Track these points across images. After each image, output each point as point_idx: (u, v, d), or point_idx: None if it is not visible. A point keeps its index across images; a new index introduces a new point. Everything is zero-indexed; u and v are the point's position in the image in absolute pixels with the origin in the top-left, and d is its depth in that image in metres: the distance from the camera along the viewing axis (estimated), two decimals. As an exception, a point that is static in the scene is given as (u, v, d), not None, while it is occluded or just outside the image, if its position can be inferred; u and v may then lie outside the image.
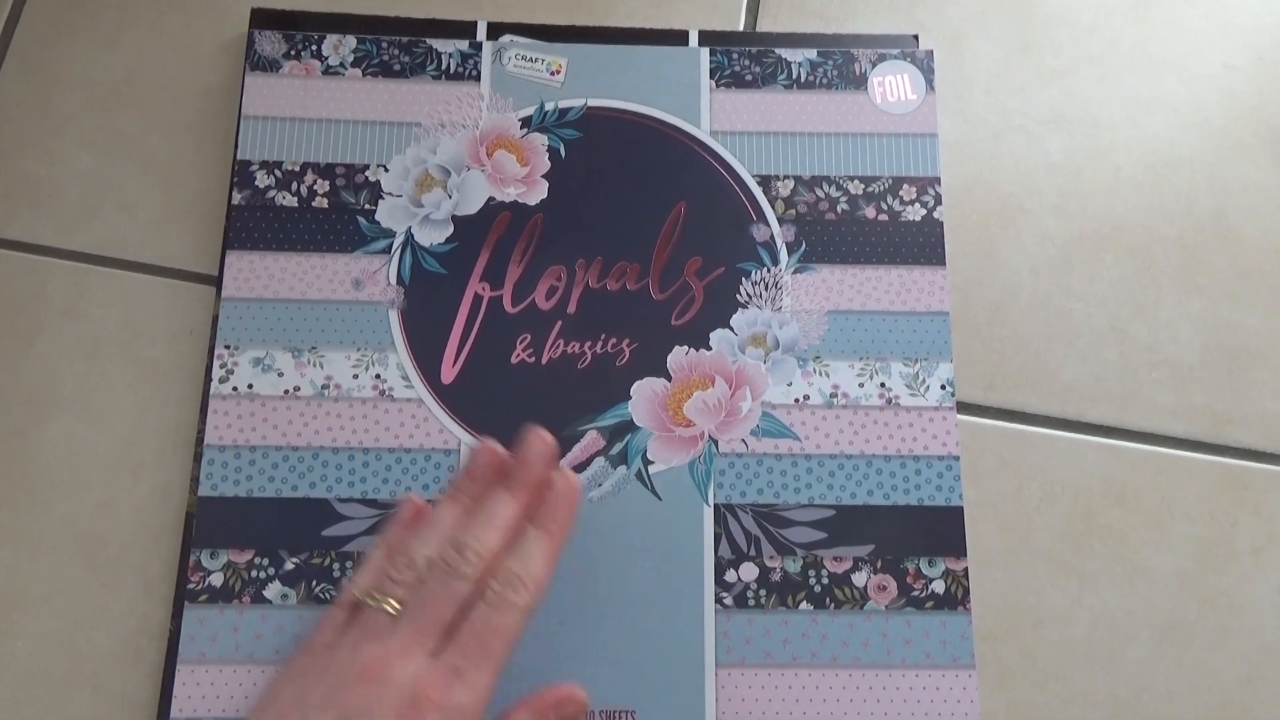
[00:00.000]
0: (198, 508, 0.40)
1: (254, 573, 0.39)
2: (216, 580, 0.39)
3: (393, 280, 0.42)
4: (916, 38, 0.47)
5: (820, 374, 0.42)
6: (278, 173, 0.43)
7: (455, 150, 0.44)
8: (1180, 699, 0.40)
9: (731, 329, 0.42)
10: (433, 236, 0.43)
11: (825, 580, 0.40)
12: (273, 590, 0.39)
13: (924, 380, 0.42)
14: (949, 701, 0.39)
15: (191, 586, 0.39)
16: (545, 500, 0.36)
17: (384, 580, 0.35)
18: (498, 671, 0.34)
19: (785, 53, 0.46)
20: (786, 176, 0.44)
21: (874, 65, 0.46)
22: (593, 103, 0.45)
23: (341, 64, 0.45)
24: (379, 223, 0.43)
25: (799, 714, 0.38)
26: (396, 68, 0.45)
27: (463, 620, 0.34)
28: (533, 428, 0.37)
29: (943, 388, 0.42)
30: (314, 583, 0.39)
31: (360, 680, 0.33)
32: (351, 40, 0.45)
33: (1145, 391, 0.44)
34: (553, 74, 0.45)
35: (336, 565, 0.39)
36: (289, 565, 0.39)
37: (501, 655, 0.34)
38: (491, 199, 0.44)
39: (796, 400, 0.42)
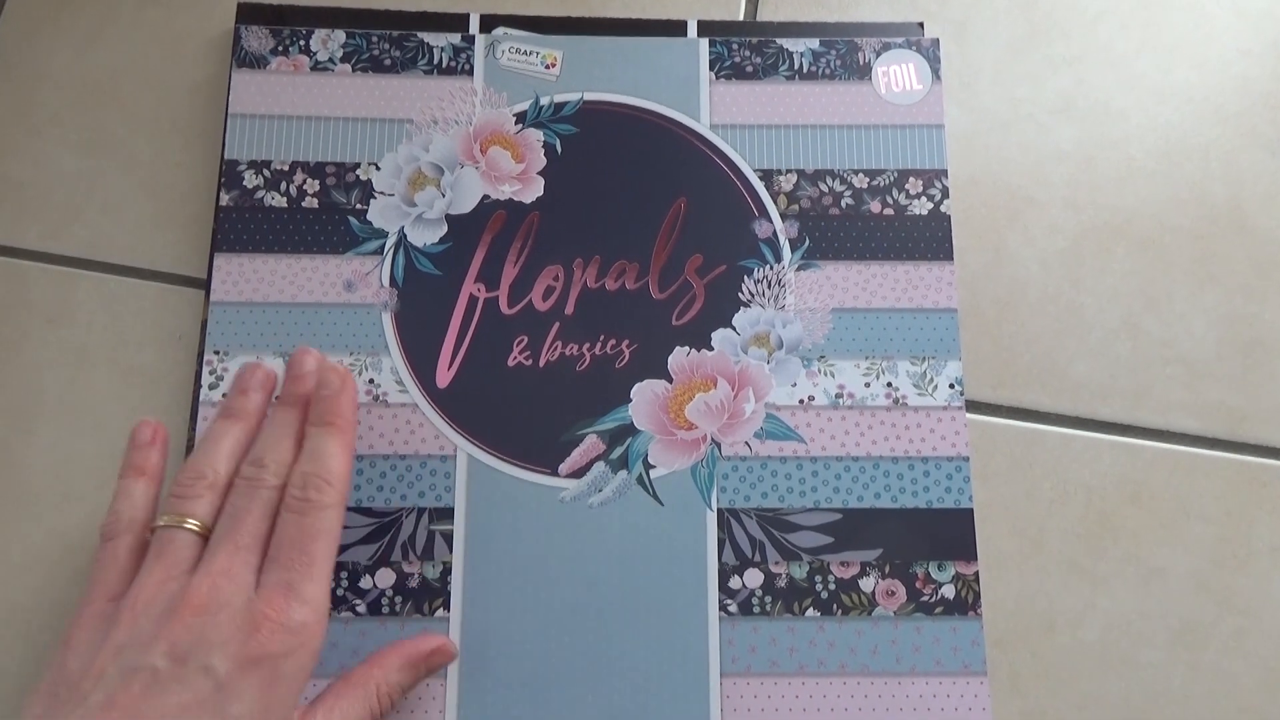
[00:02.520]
0: (188, 518, 0.39)
1: (246, 584, 0.38)
2: (208, 592, 0.38)
3: (385, 282, 0.41)
4: (921, 25, 0.46)
5: (825, 374, 0.41)
6: (266, 172, 0.42)
7: (448, 147, 0.43)
8: (1196, 703, 0.39)
9: (734, 328, 0.41)
10: (426, 236, 0.42)
11: (832, 586, 0.39)
12: (266, 602, 0.38)
13: (932, 379, 0.41)
14: (960, 710, 0.38)
15: (183, 599, 0.38)
16: (318, 395, 0.36)
17: (173, 500, 0.34)
18: (328, 577, 0.33)
19: (787, 43, 0.44)
20: (789, 170, 0.43)
21: (878, 55, 0.44)
22: (589, 96, 0.44)
23: (330, 59, 0.44)
24: (371, 223, 0.42)
25: (806, 723, 0.37)
26: (387, 63, 0.44)
27: (276, 536, 0.33)
28: (300, 347, 0.38)
29: (951, 387, 0.41)
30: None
31: (187, 610, 0.31)
32: (341, 35, 0.44)
33: (1159, 388, 0.42)
34: (548, 67, 0.44)
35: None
36: (282, 576, 0.38)
37: (327, 560, 0.33)
38: (486, 197, 0.42)
39: (801, 401, 0.41)
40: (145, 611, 0.31)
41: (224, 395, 0.40)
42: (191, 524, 0.33)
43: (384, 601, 0.38)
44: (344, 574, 0.38)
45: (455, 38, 0.44)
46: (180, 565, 0.32)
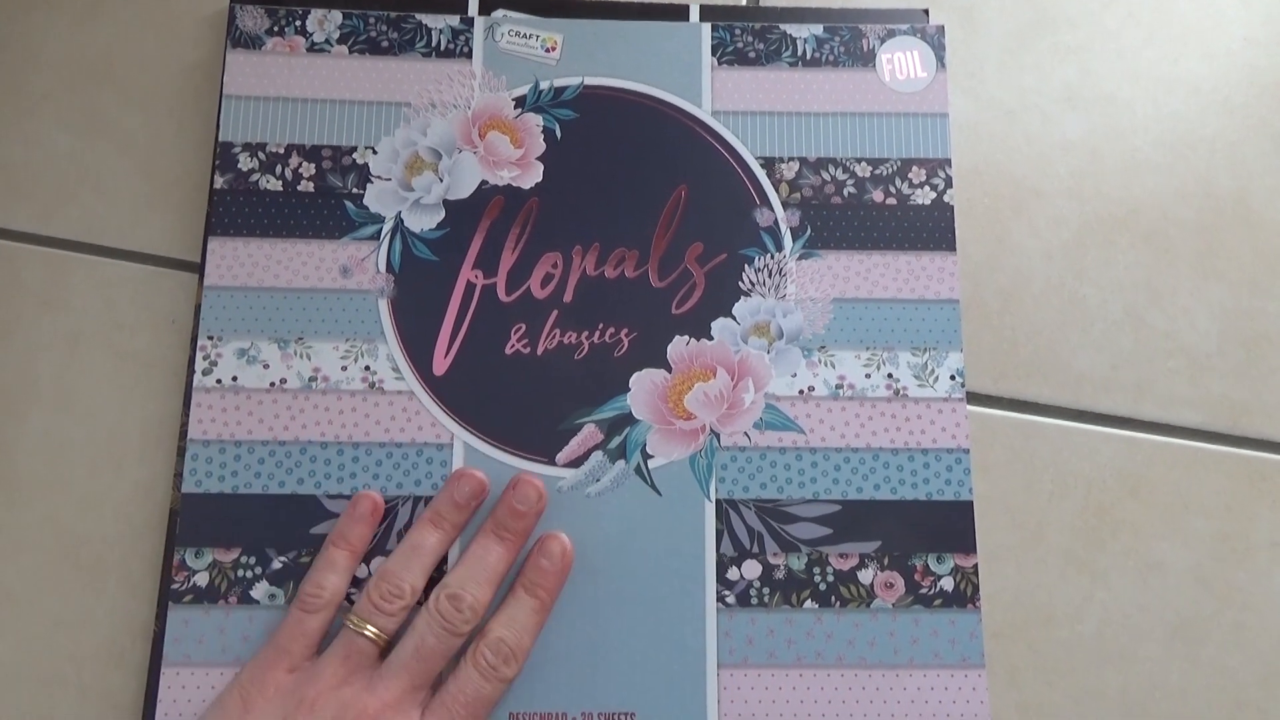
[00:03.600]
0: (181, 505, 0.38)
1: (240, 572, 0.38)
2: (202, 580, 0.38)
3: (382, 268, 0.41)
4: (927, 12, 0.45)
5: (825, 364, 0.40)
6: (261, 155, 0.42)
7: (446, 131, 0.42)
8: (1194, 698, 0.39)
9: (734, 318, 0.41)
10: (423, 222, 0.41)
11: (830, 578, 0.39)
12: (260, 590, 0.38)
13: (933, 370, 0.41)
14: (958, 702, 0.37)
15: (176, 586, 0.38)
16: (538, 564, 0.37)
17: (370, 606, 0.36)
18: None
19: (790, 28, 0.44)
20: (791, 158, 0.42)
21: (882, 41, 0.44)
22: (590, 81, 0.43)
23: (327, 40, 0.43)
24: (367, 207, 0.41)
25: (803, 716, 0.37)
26: (384, 44, 0.43)
27: (453, 675, 0.35)
28: (526, 475, 0.38)
29: (952, 378, 0.41)
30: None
31: None
32: (337, 15, 0.43)
33: (1161, 381, 0.42)
34: (548, 51, 0.43)
35: (326, 564, 0.38)
36: (276, 564, 0.38)
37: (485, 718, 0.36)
38: (484, 183, 0.42)
39: (801, 392, 0.40)
40: (321, 710, 0.34)
41: (219, 381, 0.39)
42: (373, 634, 0.35)
43: (379, 590, 0.38)
44: (339, 562, 0.38)
45: (454, 20, 0.44)
46: (359, 671, 0.35)
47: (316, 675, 0.35)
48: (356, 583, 0.38)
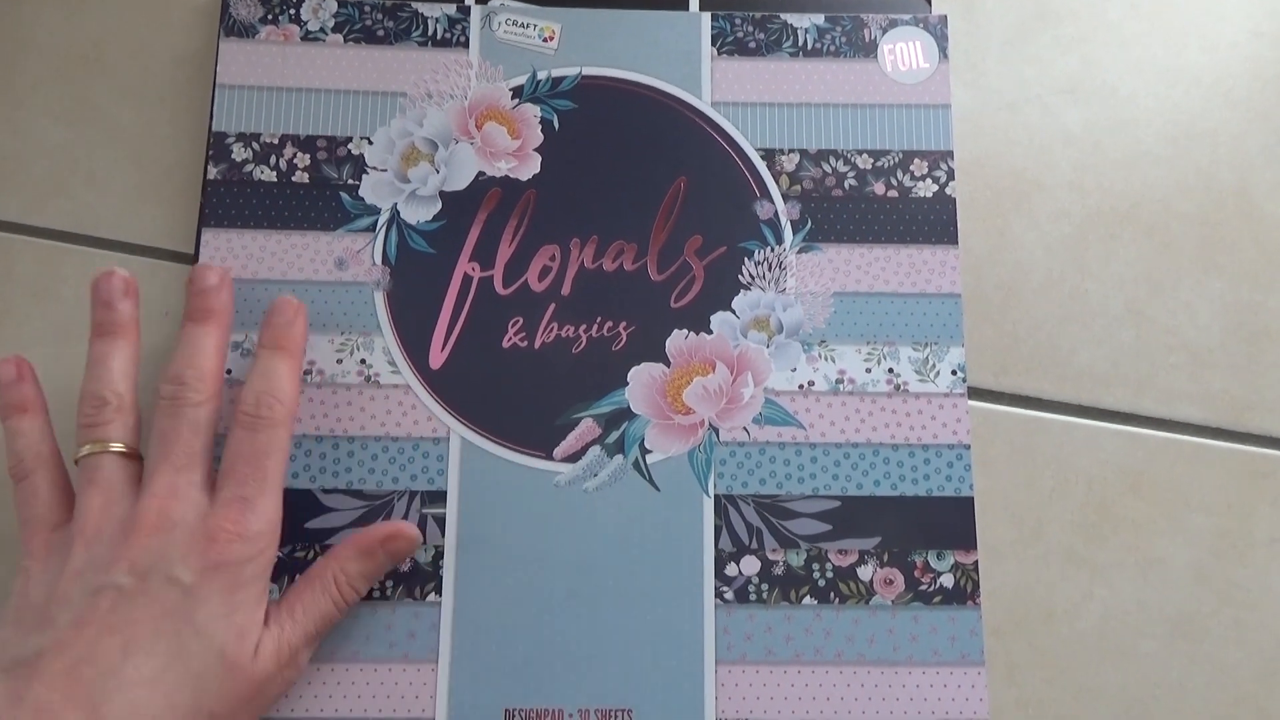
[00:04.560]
0: (175, 499, 0.38)
1: (235, 567, 0.37)
2: (196, 575, 0.37)
3: (378, 260, 0.40)
4: (929, 2, 0.45)
5: (825, 359, 0.40)
6: (255, 145, 0.41)
7: (443, 122, 0.42)
8: (1194, 694, 0.39)
9: (733, 311, 0.40)
10: (420, 214, 0.41)
11: (830, 574, 0.38)
12: (254, 585, 0.37)
13: (934, 365, 0.40)
14: (957, 699, 0.37)
15: (170, 581, 0.37)
16: (269, 322, 0.37)
17: (85, 429, 0.34)
18: (279, 492, 0.35)
19: (791, 18, 0.43)
20: (791, 150, 0.42)
21: (884, 32, 0.43)
22: (588, 71, 0.43)
23: (322, 29, 0.42)
24: (363, 199, 0.41)
25: (801, 713, 0.37)
26: (380, 33, 0.43)
27: (225, 449, 0.34)
28: (200, 265, 0.38)
29: (953, 373, 0.40)
30: (298, 577, 0.37)
31: (141, 532, 0.32)
32: (332, 4, 0.43)
33: (1162, 376, 0.42)
34: (545, 40, 0.43)
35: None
36: (271, 559, 0.38)
37: (278, 475, 0.35)
38: (481, 174, 0.41)
39: (801, 386, 0.40)
40: (96, 537, 0.32)
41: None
42: (116, 447, 0.34)
43: (375, 586, 0.37)
44: (334, 557, 0.38)
45: (450, 8, 0.43)
46: (117, 489, 0.34)
47: (78, 515, 0.33)
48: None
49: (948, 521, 0.39)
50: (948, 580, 0.38)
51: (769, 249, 0.41)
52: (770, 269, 0.41)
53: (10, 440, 0.35)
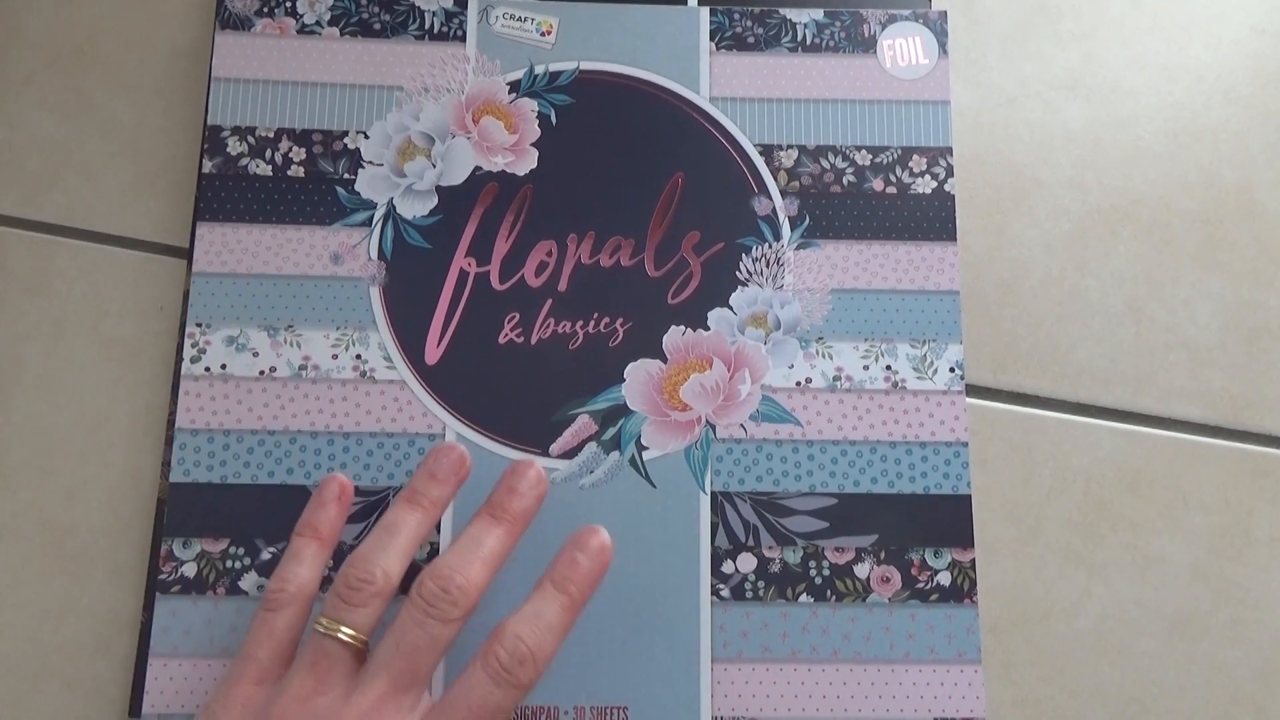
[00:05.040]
0: (169, 494, 0.38)
1: (228, 563, 0.37)
2: (189, 570, 0.37)
3: (374, 255, 0.40)
4: (929, -2, 0.44)
5: (823, 356, 0.40)
6: (251, 139, 0.41)
7: (439, 116, 0.42)
8: (1191, 693, 0.39)
9: (730, 308, 0.40)
10: (416, 208, 0.41)
11: (826, 572, 0.38)
12: (248, 581, 0.37)
13: (932, 363, 0.40)
14: (954, 698, 0.37)
15: (163, 577, 0.37)
16: (572, 558, 0.33)
17: (337, 601, 0.31)
18: None
19: (790, 13, 0.43)
20: (790, 146, 0.42)
21: (884, 27, 0.43)
22: (585, 66, 0.42)
23: (318, 22, 0.42)
24: (359, 193, 0.41)
25: (797, 710, 0.37)
26: (377, 27, 0.42)
27: (456, 680, 0.31)
28: (524, 460, 0.35)
29: (951, 370, 0.40)
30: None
31: None
32: (328, -3, 0.42)
33: (1161, 374, 0.42)
34: (543, 34, 0.43)
35: (316, 555, 0.37)
36: (265, 555, 0.37)
37: None
38: (478, 169, 0.41)
39: (798, 383, 0.40)
40: None
41: (207, 369, 0.39)
42: (348, 635, 0.31)
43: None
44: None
45: (448, 2, 0.43)
46: (332, 680, 0.31)
47: (284, 688, 0.31)
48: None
49: (945, 519, 0.39)
50: (945, 578, 0.38)
51: (767, 245, 0.41)
52: (768, 265, 0.41)
53: (288, 563, 0.33)
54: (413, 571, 0.34)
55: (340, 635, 0.31)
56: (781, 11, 0.43)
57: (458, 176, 0.41)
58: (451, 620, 0.31)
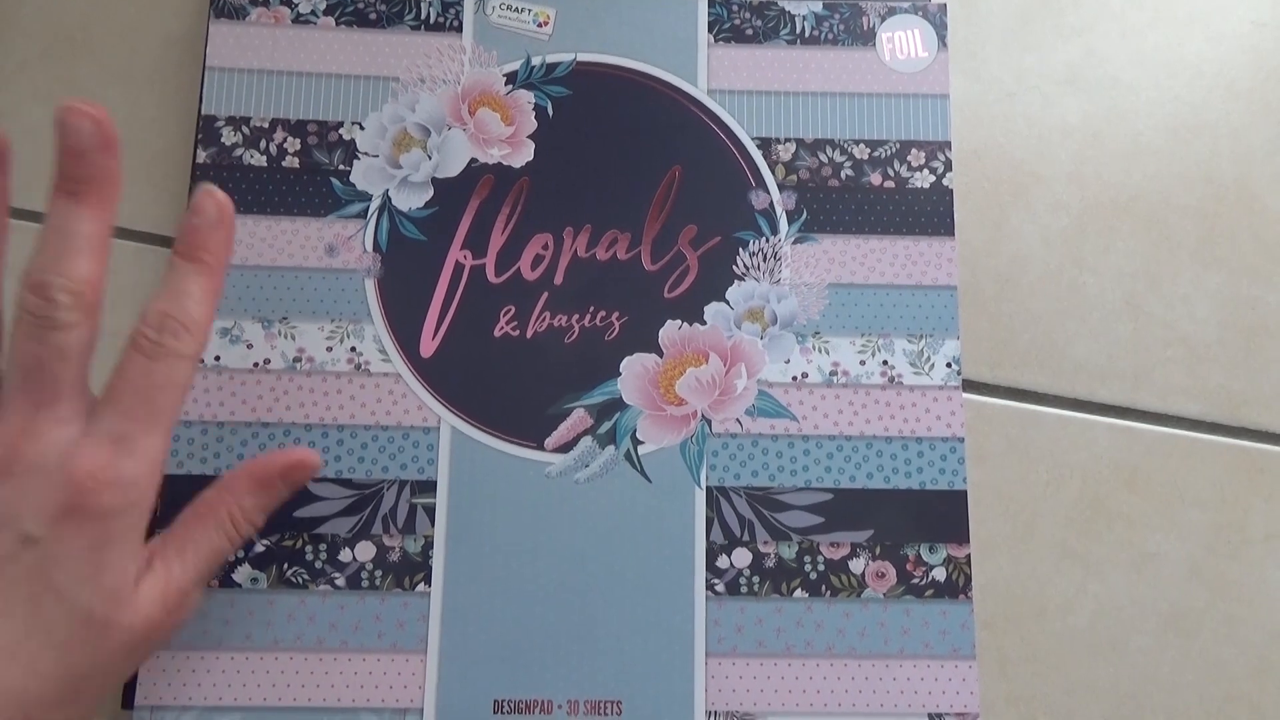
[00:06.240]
0: (164, 487, 0.38)
1: (222, 556, 0.37)
2: (183, 563, 0.37)
3: (369, 247, 0.40)
4: (928, -10, 0.44)
5: (820, 351, 0.40)
6: (245, 129, 0.41)
7: (435, 107, 0.41)
8: (1186, 690, 0.39)
9: (727, 302, 0.40)
10: (411, 200, 0.40)
11: (821, 567, 0.38)
12: (242, 574, 0.37)
13: (929, 358, 0.40)
14: (948, 693, 0.37)
15: (157, 569, 0.37)
16: (189, 224, 0.31)
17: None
18: (169, 431, 0.30)
19: (788, 5, 0.43)
20: (788, 139, 0.42)
21: (883, 19, 0.43)
22: (583, 57, 0.42)
23: (313, 12, 0.42)
24: (354, 185, 0.41)
25: (791, 705, 0.37)
26: (373, 16, 0.42)
27: (114, 370, 0.29)
28: (71, 101, 0.30)
29: (948, 366, 0.40)
30: (285, 566, 0.37)
31: None
32: (324, -14, 0.42)
33: (1159, 370, 0.42)
34: (540, 25, 0.42)
35: (310, 548, 0.37)
36: (259, 547, 0.37)
37: (171, 412, 0.30)
38: (474, 161, 0.41)
39: (794, 378, 0.40)
40: None
41: (200, 361, 0.38)
42: None
43: (363, 575, 0.37)
44: (323, 546, 0.37)
45: (444, -8, 0.42)
46: None
47: None
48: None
49: (941, 515, 0.39)
50: (940, 574, 0.38)
51: (764, 239, 0.41)
52: (765, 260, 0.40)
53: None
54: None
55: None
56: (780, 3, 0.43)
57: (454, 168, 0.41)
58: (71, 324, 0.29)
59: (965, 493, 0.39)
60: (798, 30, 0.43)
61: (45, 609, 0.28)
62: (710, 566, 0.38)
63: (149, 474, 0.29)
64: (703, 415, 0.39)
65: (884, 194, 0.41)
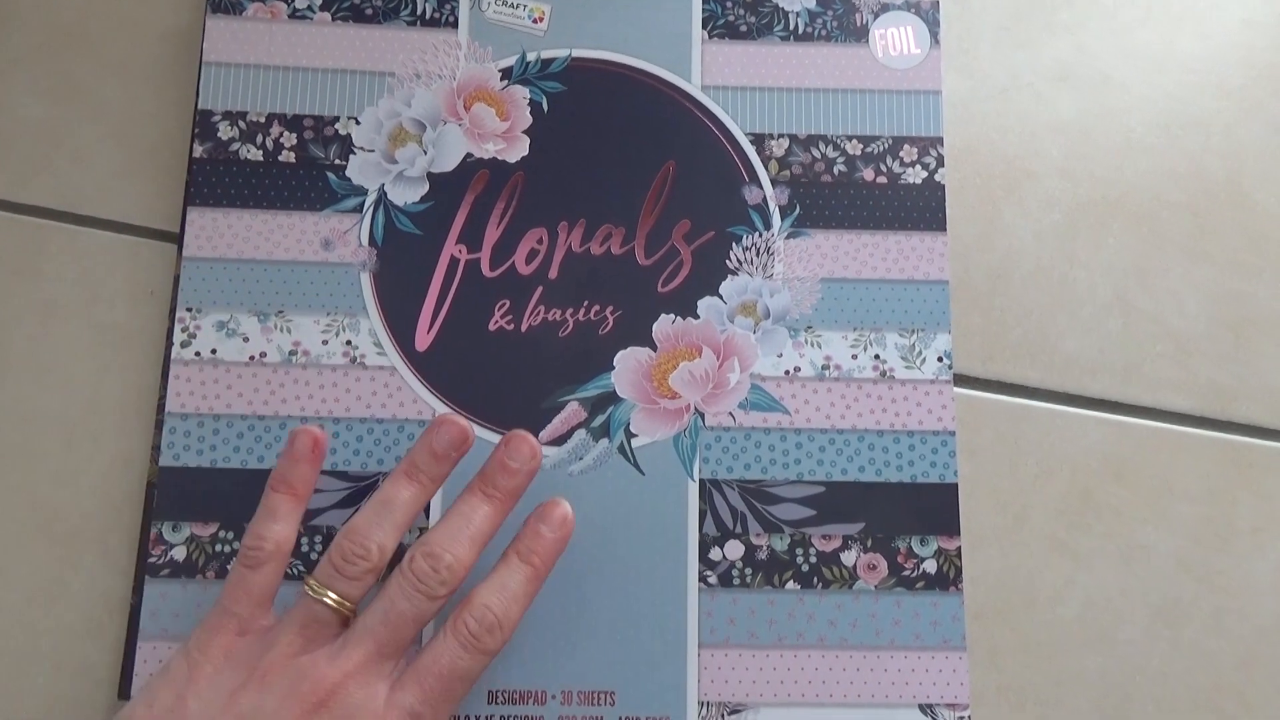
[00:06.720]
0: (159, 478, 0.38)
1: (218, 546, 0.37)
2: (179, 554, 0.37)
3: (364, 241, 0.40)
4: (921, -13, 0.44)
5: (812, 345, 0.40)
6: (242, 124, 0.41)
7: (431, 103, 0.42)
8: (1174, 680, 0.39)
9: (720, 297, 0.40)
10: (407, 195, 0.41)
11: (813, 559, 0.38)
12: (238, 566, 0.37)
13: (920, 352, 0.40)
14: (938, 684, 0.38)
15: (153, 560, 0.37)
16: (535, 529, 0.34)
17: (331, 570, 0.32)
18: (450, 716, 0.32)
19: (783, 1, 0.43)
20: (781, 135, 0.42)
21: (876, 16, 0.43)
22: (577, 53, 0.42)
23: (310, 7, 0.42)
24: (350, 179, 0.41)
25: (784, 695, 0.37)
26: (369, 12, 0.42)
27: (429, 644, 0.32)
28: (519, 432, 0.35)
29: (940, 360, 0.40)
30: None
31: (314, 702, 0.30)
32: (320, -19, 0.42)
33: (1149, 365, 0.42)
34: (535, 21, 0.43)
35: (305, 540, 0.38)
36: (255, 540, 0.38)
37: (459, 700, 0.32)
38: (469, 155, 0.41)
39: (787, 372, 0.40)
40: (275, 684, 0.31)
41: (197, 354, 0.39)
42: (334, 601, 0.32)
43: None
44: (318, 538, 0.38)
45: (440, -12, 0.43)
46: (320, 643, 0.32)
47: (271, 643, 0.32)
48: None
49: (932, 507, 0.39)
50: (931, 566, 0.38)
51: (757, 234, 0.41)
52: (758, 254, 0.41)
53: (263, 520, 0.33)
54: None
55: (328, 600, 0.32)
56: (774, 0, 0.43)
57: (449, 163, 0.41)
58: (438, 597, 0.32)
59: (956, 485, 0.39)
60: (791, 27, 0.43)
61: None
62: (703, 558, 0.38)
63: None
64: (696, 408, 0.39)
65: (876, 189, 0.42)
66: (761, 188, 0.41)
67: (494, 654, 0.32)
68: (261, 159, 0.41)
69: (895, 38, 0.43)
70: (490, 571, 0.34)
